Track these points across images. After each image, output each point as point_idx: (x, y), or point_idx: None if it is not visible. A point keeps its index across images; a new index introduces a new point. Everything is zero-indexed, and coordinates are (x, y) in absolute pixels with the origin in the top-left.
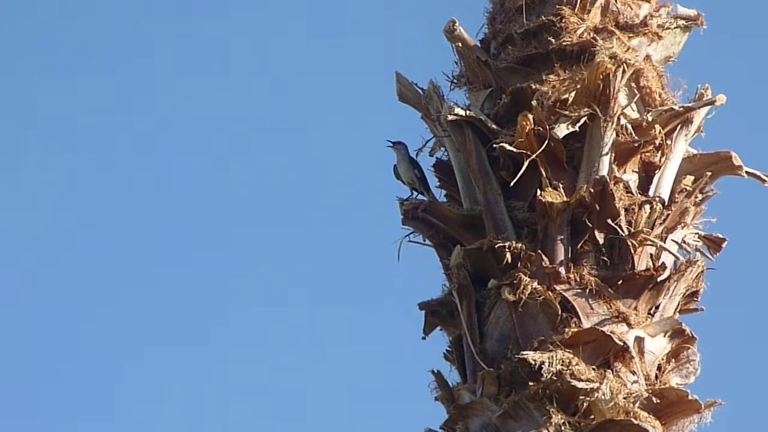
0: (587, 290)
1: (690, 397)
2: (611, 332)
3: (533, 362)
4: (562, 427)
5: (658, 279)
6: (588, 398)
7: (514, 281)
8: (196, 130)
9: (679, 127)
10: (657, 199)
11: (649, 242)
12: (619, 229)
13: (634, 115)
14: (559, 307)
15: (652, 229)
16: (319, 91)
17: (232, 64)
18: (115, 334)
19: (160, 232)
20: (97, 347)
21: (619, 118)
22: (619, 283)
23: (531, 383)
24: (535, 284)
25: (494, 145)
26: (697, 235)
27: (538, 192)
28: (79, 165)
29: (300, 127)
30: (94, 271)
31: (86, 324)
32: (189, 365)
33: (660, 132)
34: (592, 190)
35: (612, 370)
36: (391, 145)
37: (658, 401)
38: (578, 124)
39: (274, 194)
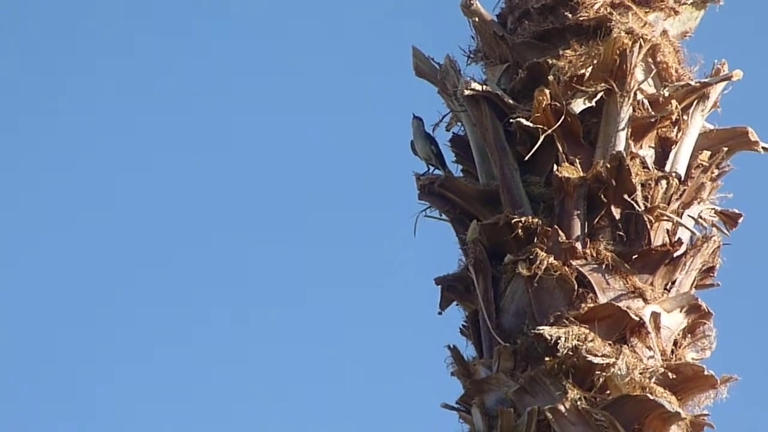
0: (603, 265)
1: (706, 373)
2: (627, 307)
3: (549, 337)
4: (578, 402)
5: (675, 254)
6: (604, 373)
7: (531, 256)
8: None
9: (695, 103)
10: (673, 174)
11: (665, 218)
12: (635, 205)
13: (651, 90)
14: (575, 282)
15: (668, 204)
16: (337, 67)
17: (243, 32)
18: (113, 335)
19: (151, 230)
20: (95, 348)
21: (635, 94)
22: (635, 258)
23: (547, 358)
24: (551, 259)
25: (511, 120)
26: (713, 211)
27: (555, 167)
28: (78, 165)
29: (318, 103)
30: (94, 272)
31: (83, 324)
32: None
33: (676, 107)
34: (608, 166)
35: (628, 346)
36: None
37: (674, 377)
38: (595, 100)
39: (296, 173)
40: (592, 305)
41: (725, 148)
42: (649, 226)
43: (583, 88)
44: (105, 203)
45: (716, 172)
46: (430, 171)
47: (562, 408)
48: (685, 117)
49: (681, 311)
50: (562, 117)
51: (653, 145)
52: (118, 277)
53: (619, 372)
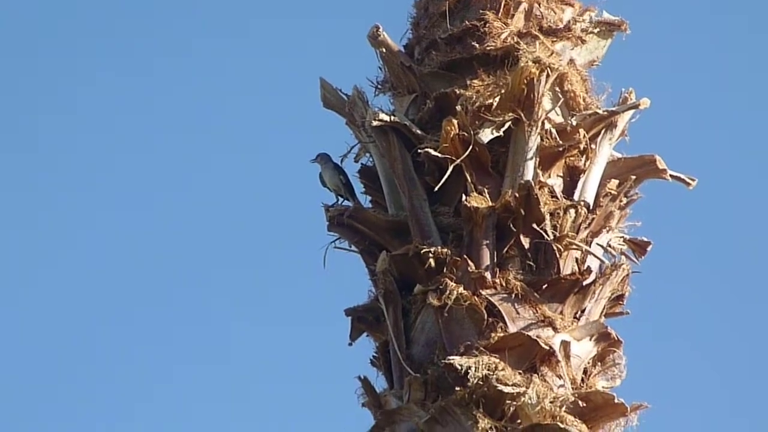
0: (513, 295)
1: (616, 401)
2: (537, 336)
3: (459, 367)
4: None
5: (584, 283)
6: (514, 403)
7: (440, 286)
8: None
9: (603, 131)
10: (582, 203)
11: (574, 246)
12: (544, 234)
13: (559, 119)
14: (485, 311)
15: (577, 233)
16: (242, 98)
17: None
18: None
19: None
20: (92, 349)
21: (543, 123)
22: (545, 287)
23: (457, 388)
24: (460, 289)
25: (419, 151)
26: (622, 239)
27: (463, 197)
28: (76, 166)
29: (225, 134)
30: (90, 273)
31: (82, 324)
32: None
33: (584, 136)
34: (517, 195)
35: (538, 375)
36: (314, 160)
37: (585, 405)
38: (503, 129)
39: (206, 206)
40: (502, 335)
41: (633, 177)
42: (558, 255)
43: (491, 117)
44: (101, 203)
45: (624, 200)
46: (339, 202)
47: None
48: (593, 146)
49: (591, 339)
50: (470, 147)
51: (561, 174)
52: (114, 277)
53: (529, 401)
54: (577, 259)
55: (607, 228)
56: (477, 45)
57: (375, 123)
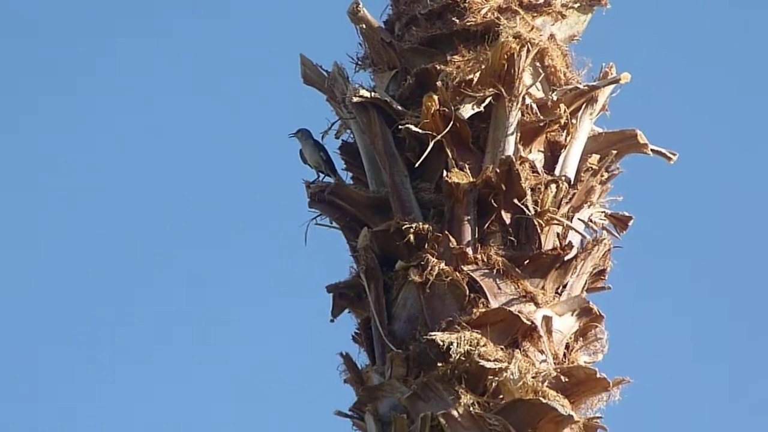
0: (495, 270)
1: (598, 375)
2: (519, 312)
3: (441, 343)
4: (471, 408)
5: (565, 258)
6: (496, 378)
7: (422, 262)
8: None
9: (584, 106)
10: (563, 178)
11: (555, 221)
12: (525, 209)
13: (539, 94)
14: (466, 287)
15: (558, 208)
16: (224, 74)
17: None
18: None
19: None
20: (89, 347)
21: (524, 98)
22: (527, 262)
23: (440, 364)
24: (442, 265)
25: (400, 127)
26: (603, 214)
27: (444, 173)
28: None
29: (205, 111)
30: (91, 270)
31: (80, 324)
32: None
33: (565, 111)
34: (498, 171)
35: (520, 350)
36: (293, 135)
37: (567, 380)
38: (483, 105)
39: (181, 191)
40: (483, 310)
41: (614, 151)
42: (539, 231)
43: (472, 93)
44: (96, 202)
45: (606, 175)
46: (320, 179)
47: (455, 413)
48: (573, 121)
49: (572, 315)
50: (451, 123)
51: (542, 149)
52: (111, 276)
53: (511, 376)
54: (558, 234)
55: (589, 203)
56: (457, 20)
57: (355, 99)
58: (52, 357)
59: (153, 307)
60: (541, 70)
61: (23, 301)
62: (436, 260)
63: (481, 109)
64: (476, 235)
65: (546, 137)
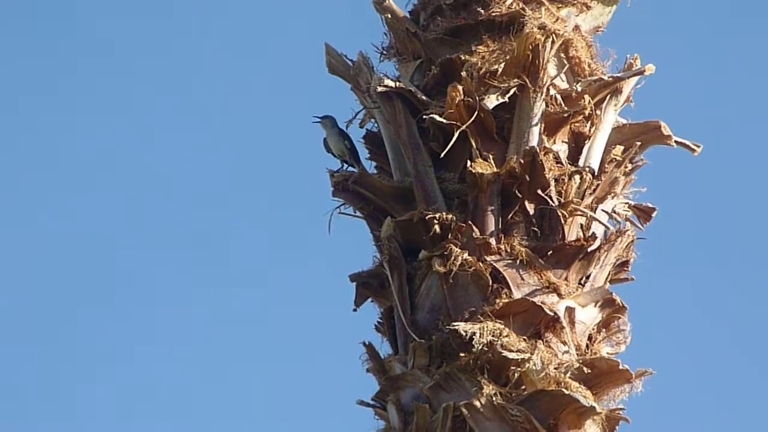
0: (518, 261)
1: (621, 367)
2: (542, 303)
3: (464, 333)
4: (494, 398)
5: (589, 249)
6: (519, 369)
7: (445, 252)
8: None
9: (608, 97)
10: (587, 169)
11: (579, 212)
12: (549, 200)
13: (564, 85)
14: (489, 278)
15: (582, 199)
16: (249, 64)
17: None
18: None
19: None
20: (87, 346)
21: (548, 89)
22: (550, 253)
23: (462, 354)
24: (465, 255)
25: (424, 117)
26: (627, 205)
27: (468, 163)
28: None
29: (231, 101)
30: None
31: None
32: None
33: (589, 102)
34: (522, 161)
35: (543, 341)
36: (318, 120)
37: (589, 371)
38: (508, 95)
39: (210, 171)
40: (506, 301)
41: (638, 143)
42: (563, 221)
43: (496, 83)
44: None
45: (630, 166)
46: (344, 168)
47: (477, 404)
48: (598, 112)
49: (595, 306)
50: (476, 113)
51: (566, 140)
52: (106, 276)
53: (534, 367)
54: (581, 225)
55: (612, 194)
56: (482, 11)
57: (380, 89)
58: (52, 357)
59: (166, 307)
60: (565, 61)
61: (19, 300)
62: (459, 250)
63: (506, 99)
64: (500, 226)
65: (570, 128)
